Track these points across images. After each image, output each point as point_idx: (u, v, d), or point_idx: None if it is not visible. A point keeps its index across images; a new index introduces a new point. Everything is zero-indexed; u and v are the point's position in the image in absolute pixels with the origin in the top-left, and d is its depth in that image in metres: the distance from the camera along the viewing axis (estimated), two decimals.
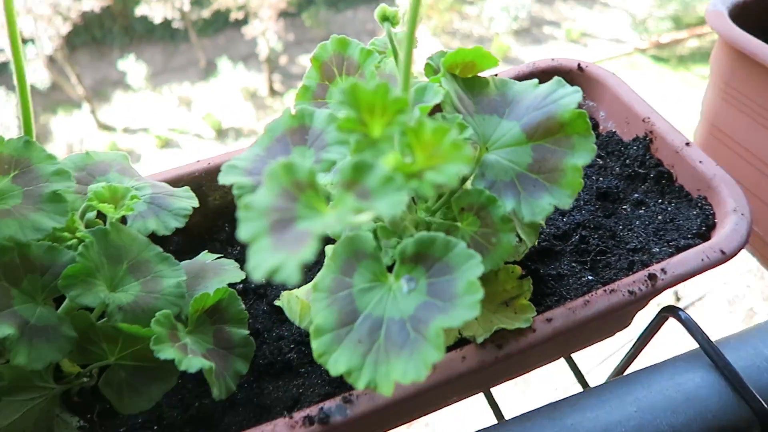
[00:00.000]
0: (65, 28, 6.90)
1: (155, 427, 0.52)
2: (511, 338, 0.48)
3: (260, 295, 0.62)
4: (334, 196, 0.28)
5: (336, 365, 0.39)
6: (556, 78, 0.47)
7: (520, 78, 0.73)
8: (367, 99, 0.29)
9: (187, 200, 0.52)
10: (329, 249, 0.51)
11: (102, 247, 0.45)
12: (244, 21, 8.45)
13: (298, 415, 0.46)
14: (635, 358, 0.61)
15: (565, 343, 0.63)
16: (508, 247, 0.43)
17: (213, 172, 0.63)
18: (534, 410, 0.50)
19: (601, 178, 0.67)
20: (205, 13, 8.43)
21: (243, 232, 0.28)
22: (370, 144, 0.30)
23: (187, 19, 8.41)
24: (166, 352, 0.43)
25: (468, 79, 0.49)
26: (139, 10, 7.75)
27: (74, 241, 0.45)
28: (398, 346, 0.38)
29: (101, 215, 0.50)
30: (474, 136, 0.46)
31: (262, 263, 0.26)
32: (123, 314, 0.45)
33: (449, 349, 0.49)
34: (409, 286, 0.39)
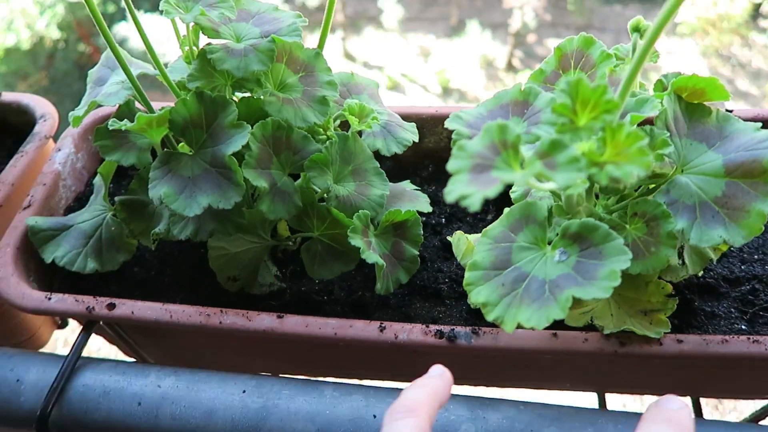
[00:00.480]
0: None
1: (325, 297, 0.66)
2: (636, 341, 0.53)
3: (436, 232, 0.72)
4: (527, 161, 0.36)
5: (477, 296, 0.48)
6: None
7: (747, 119, 0.72)
8: (585, 93, 0.36)
9: (411, 134, 0.63)
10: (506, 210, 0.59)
11: (340, 148, 0.58)
12: None
13: (433, 327, 0.56)
14: None
15: (694, 382, 0.65)
16: (663, 260, 0.48)
17: (437, 119, 0.74)
18: (634, 414, 0.54)
19: None
20: None
21: (451, 165, 0.37)
22: (572, 130, 0.37)
23: None
24: (356, 241, 0.56)
25: (692, 104, 0.52)
26: None
27: (324, 137, 0.59)
28: (531, 299, 0.45)
29: (344, 125, 0.63)
30: (674, 156, 0.50)
31: (456, 190, 0.35)
32: (337, 202, 0.58)
33: (577, 329, 0.55)
34: (560, 257, 0.46)
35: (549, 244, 0.48)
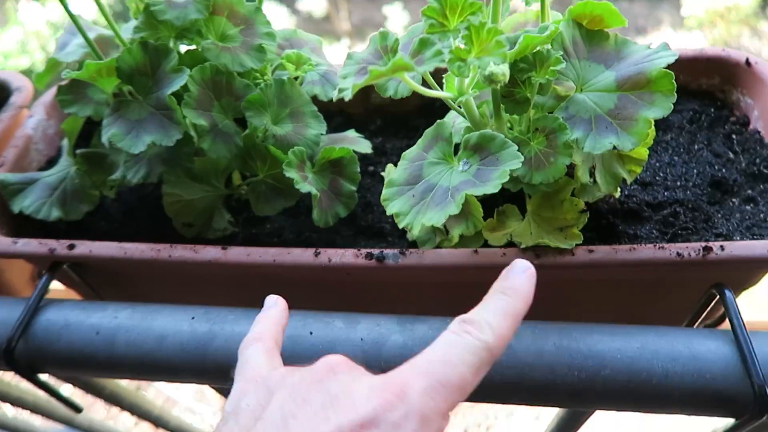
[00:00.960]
0: None
1: (275, 239, 0.70)
2: (550, 253, 0.56)
3: (382, 179, 0.76)
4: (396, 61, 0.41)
5: (392, 208, 0.52)
6: (663, 41, 0.53)
7: (683, 59, 0.76)
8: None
9: None
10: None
11: (277, 91, 0.63)
12: None
13: (364, 251, 0.60)
14: (696, 321, 0.63)
15: (608, 309, 0.68)
16: (561, 168, 0.52)
17: None
18: (551, 322, 0.58)
19: (723, 170, 0.69)
20: None
21: (341, 71, 0.42)
22: (442, 31, 0.41)
23: None
24: (291, 174, 0.60)
25: (592, 30, 0.57)
26: None
27: (262, 82, 0.64)
28: (435, 204, 0.49)
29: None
30: (572, 75, 0.54)
31: (345, 85, 0.40)
32: (275, 141, 0.62)
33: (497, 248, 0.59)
34: (464, 167, 0.51)
35: (455, 160, 0.53)
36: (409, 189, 0.52)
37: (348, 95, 0.38)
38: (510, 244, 0.59)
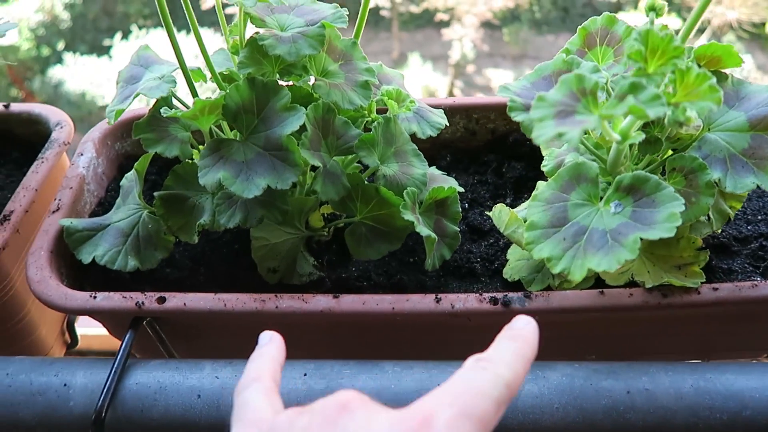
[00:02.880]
0: None
1: (364, 283, 0.67)
2: (676, 292, 0.57)
3: (462, 217, 0.75)
4: (609, 103, 0.40)
5: (540, 252, 0.51)
6: None
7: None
8: (655, 41, 0.40)
9: (441, 118, 0.66)
10: (541, 183, 0.63)
11: (383, 130, 0.61)
12: (447, 23, 8.73)
13: (487, 295, 0.58)
14: None
15: (705, 338, 0.69)
16: (704, 208, 0.52)
17: (454, 109, 0.77)
18: (680, 363, 0.58)
19: None
20: (414, 9, 8.83)
21: (534, 113, 0.41)
22: (645, 74, 0.41)
23: (395, 11, 8.89)
24: (408, 216, 0.58)
25: (710, 71, 0.58)
26: None
27: (369, 119, 0.61)
28: (596, 248, 0.48)
29: (380, 111, 0.66)
30: (700, 116, 0.55)
31: (547, 132, 0.38)
32: (385, 181, 0.60)
33: (619, 287, 0.59)
34: (616, 209, 0.50)
35: (600, 200, 0.52)
36: (555, 232, 0.51)
37: (575, 141, 0.36)
38: (631, 283, 0.59)
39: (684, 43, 0.44)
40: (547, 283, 0.62)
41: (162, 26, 0.57)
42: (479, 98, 0.77)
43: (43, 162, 0.70)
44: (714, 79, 0.40)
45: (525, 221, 0.56)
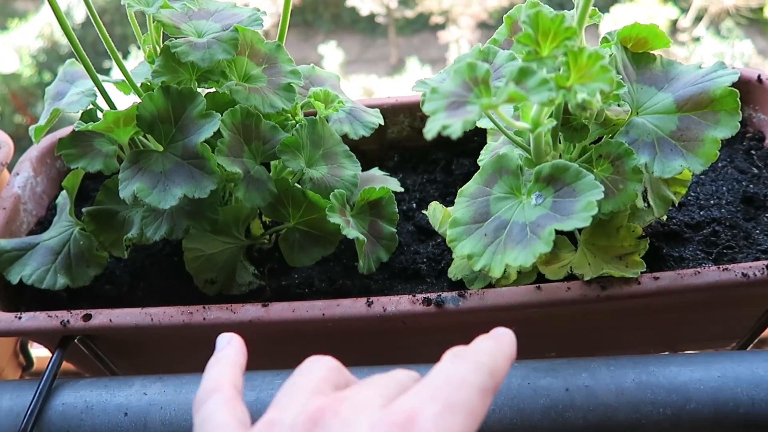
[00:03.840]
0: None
1: (306, 290, 0.65)
2: (616, 284, 0.54)
3: (408, 217, 0.73)
4: (499, 90, 0.38)
5: (462, 249, 0.49)
6: (718, 60, 0.53)
7: None
8: (545, 23, 0.38)
9: (376, 117, 0.65)
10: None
11: (309, 132, 0.59)
12: (442, 26, 8.72)
13: (420, 296, 0.56)
14: (757, 336, 0.63)
15: (669, 329, 0.67)
16: (632, 194, 0.50)
17: (397, 108, 0.76)
18: (623, 356, 0.55)
19: (751, 186, 0.69)
20: (409, 13, 8.83)
21: (427, 107, 0.39)
22: (537, 58, 0.39)
23: (390, 17, 8.91)
24: (335, 219, 0.56)
25: (637, 53, 0.56)
26: (351, 1, 8.35)
27: (293, 122, 0.59)
28: (515, 242, 0.46)
29: (308, 115, 0.64)
30: (627, 98, 0.53)
31: (436, 125, 0.37)
32: (312, 185, 0.58)
33: (558, 281, 0.57)
34: (537, 200, 0.48)
35: (523, 193, 0.50)
36: (477, 227, 0.49)
37: (457, 132, 0.35)
38: (570, 276, 0.57)
39: (582, 23, 0.42)
40: (489, 281, 0.60)
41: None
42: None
43: None
44: (606, 59, 0.37)
45: None
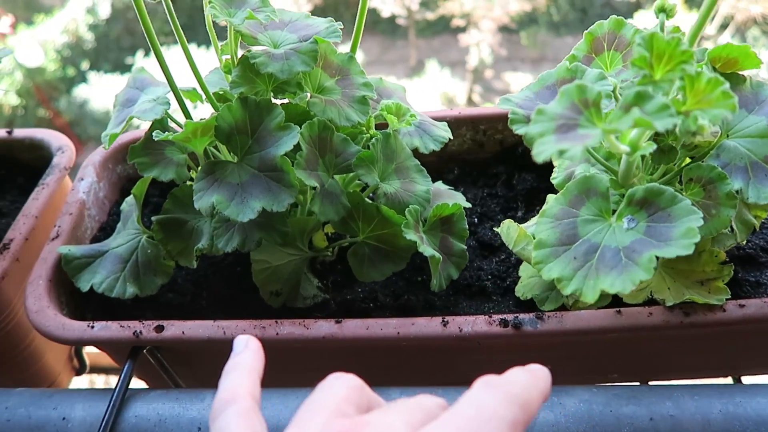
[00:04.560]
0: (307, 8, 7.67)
1: (370, 305, 0.65)
2: (699, 310, 0.53)
3: (471, 232, 0.72)
4: (612, 115, 0.37)
5: (549, 272, 0.48)
6: None
7: None
8: (660, 46, 0.37)
9: (444, 131, 0.64)
10: (551, 197, 0.60)
11: (383, 146, 0.58)
12: (463, 29, 8.69)
13: (496, 317, 0.55)
14: None
15: (735, 355, 0.65)
16: (726, 220, 0.48)
17: (460, 121, 0.75)
18: (707, 385, 0.54)
19: None
20: (430, 16, 8.82)
21: (533, 129, 0.38)
22: (651, 82, 0.38)
23: (411, 18, 8.90)
24: (411, 236, 0.55)
25: (726, 74, 0.54)
26: (372, 2, 8.36)
27: (367, 136, 0.59)
28: (609, 267, 0.45)
29: (379, 127, 0.64)
30: (714, 124, 0.52)
31: (548, 149, 0.36)
32: (386, 200, 0.57)
33: (638, 305, 0.55)
34: (629, 224, 0.47)
35: (612, 215, 0.49)
36: (565, 250, 0.48)
37: (577, 156, 0.34)
38: (650, 301, 0.56)
39: (693, 45, 0.41)
40: (561, 301, 0.59)
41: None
42: (485, 109, 0.74)
43: (43, 188, 0.70)
44: (727, 84, 0.36)
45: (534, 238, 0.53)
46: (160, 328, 0.57)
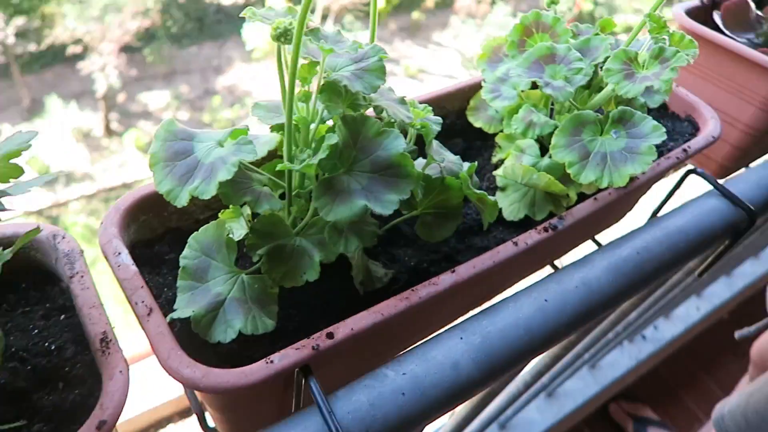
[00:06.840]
0: None
1: (424, 265, 0.79)
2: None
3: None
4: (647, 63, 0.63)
5: (587, 177, 0.73)
6: None
7: None
8: (655, 19, 0.64)
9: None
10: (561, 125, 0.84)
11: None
12: (81, 56, 8.01)
13: (539, 227, 0.77)
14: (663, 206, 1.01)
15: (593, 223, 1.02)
16: None
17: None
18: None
19: None
20: (33, 47, 7.85)
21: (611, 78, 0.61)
22: (663, 40, 0.65)
23: (11, 53, 7.77)
24: (474, 190, 0.73)
25: None
26: None
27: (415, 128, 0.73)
28: (622, 162, 0.72)
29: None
30: None
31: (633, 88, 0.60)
32: (447, 172, 0.73)
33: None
34: (616, 135, 0.75)
35: (601, 133, 0.76)
36: (587, 162, 0.73)
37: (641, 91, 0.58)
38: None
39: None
40: (548, 209, 0.84)
41: None
42: (443, 89, 0.93)
43: (82, 276, 0.62)
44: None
45: (544, 163, 0.77)
46: (330, 335, 0.62)
